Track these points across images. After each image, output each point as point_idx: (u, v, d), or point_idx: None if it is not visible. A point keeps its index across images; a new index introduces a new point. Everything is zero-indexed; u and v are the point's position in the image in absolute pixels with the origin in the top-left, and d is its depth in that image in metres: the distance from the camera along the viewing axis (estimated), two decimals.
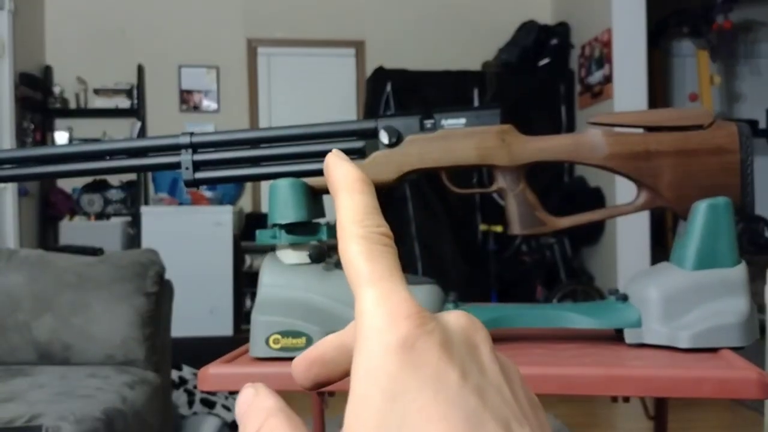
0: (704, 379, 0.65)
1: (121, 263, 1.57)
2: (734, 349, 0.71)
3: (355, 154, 0.85)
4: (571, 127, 4.15)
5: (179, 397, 1.98)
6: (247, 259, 4.05)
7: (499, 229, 3.80)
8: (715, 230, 0.75)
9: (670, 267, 0.78)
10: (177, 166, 0.87)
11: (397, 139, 0.83)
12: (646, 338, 0.75)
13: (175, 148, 0.86)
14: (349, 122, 0.87)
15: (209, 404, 2.00)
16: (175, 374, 2.06)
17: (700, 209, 0.75)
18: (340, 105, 4.50)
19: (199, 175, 0.86)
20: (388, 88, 3.90)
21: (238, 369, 0.76)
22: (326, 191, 0.84)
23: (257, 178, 0.88)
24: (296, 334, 0.77)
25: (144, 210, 3.91)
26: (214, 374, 0.75)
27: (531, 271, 3.88)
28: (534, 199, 0.82)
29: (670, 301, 0.74)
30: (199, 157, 0.86)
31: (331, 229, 0.84)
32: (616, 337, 0.80)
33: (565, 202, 3.68)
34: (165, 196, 4.06)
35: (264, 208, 4.40)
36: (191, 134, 0.86)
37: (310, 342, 0.76)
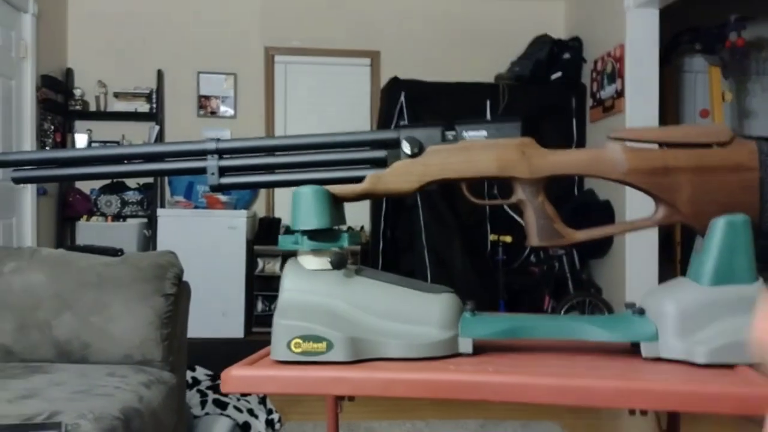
0: (722, 395, 0.65)
1: (141, 264, 1.59)
2: (751, 365, 0.71)
3: (377, 164, 0.86)
4: (581, 140, 4.16)
5: (192, 397, 2.00)
6: (260, 262, 4.08)
7: (508, 239, 3.79)
8: (732, 247, 0.75)
9: (687, 282, 0.78)
10: (203, 170, 0.89)
11: (419, 150, 0.84)
12: (663, 352, 0.75)
13: (202, 154, 0.88)
14: (372, 132, 0.88)
15: (221, 405, 2.02)
16: (188, 375, 2.08)
17: (718, 225, 0.75)
18: (355, 114, 4.53)
19: (225, 180, 0.88)
20: (402, 98, 3.92)
21: (259, 372, 0.77)
22: (347, 199, 0.85)
23: (281, 185, 0.89)
24: (317, 339, 0.78)
25: (160, 212, 3.96)
26: (237, 376, 0.76)
27: (539, 282, 3.88)
28: (552, 212, 0.83)
29: (687, 316, 0.74)
30: (224, 162, 0.88)
31: (352, 236, 0.85)
32: (631, 350, 0.81)
33: (575, 215, 3.68)
34: (181, 199, 4.10)
35: (277, 213, 4.43)
36: (217, 140, 0.88)
37: (330, 347, 0.77)
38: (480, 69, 4.33)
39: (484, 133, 0.83)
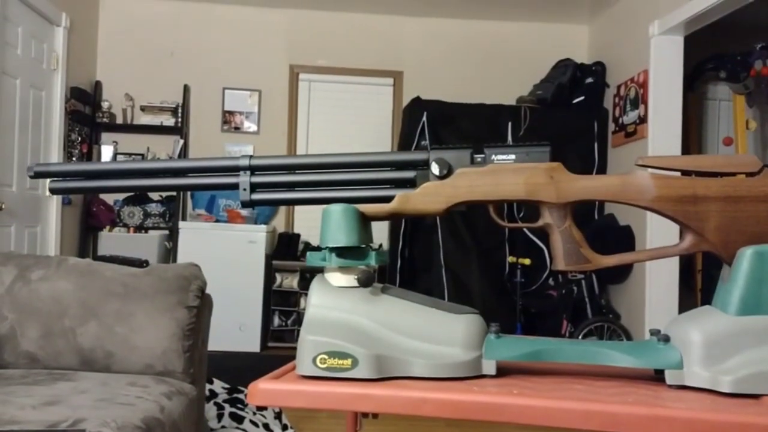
0: (748, 425, 0.65)
1: (166, 276, 1.61)
2: None
3: (406, 184, 0.87)
4: (602, 165, 4.15)
5: (209, 410, 2.01)
6: (278, 277, 4.10)
7: (527, 261, 3.78)
8: (760, 277, 0.75)
9: (713, 311, 0.78)
10: (234, 186, 0.91)
11: (447, 171, 0.85)
12: (687, 380, 0.75)
13: (234, 170, 0.90)
14: (402, 153, 0.90)
15: (238, 419, 2.03)
16: (206, 387, 2.09)
17: (746, 255, 0.75)
18: (377, 132, 4.58)
19: (256, 196, 0.90)
20: (424, 117, 3.95)
21: (285, 386, 0.78)
22: (375, 218, 0.87)
23: (311, 202, 0.90)
24: (342, 356, 0.79)
25: (182, 225, 4.00)
26: (263, 389, 0.77)
27: (557, 306, 3.85)
28: (580, 236, 0.83)
29: (713, 345, 0.74)
30: (256, 179, 0.90)
31: (379, 255, 0.86)
32: (655, 377, 0.81)
33: (595, 239, 3.65)
34: (203, 213, 4.15)
35: (296, 229, 4.46)
36: (250, 157, 0.90)
37: (356, 364, 0.78)
38: (502, 91, 4.36)
39: (512, 157, 0.84)
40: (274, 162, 0.90)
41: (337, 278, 0.84)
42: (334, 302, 0.83)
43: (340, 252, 0.83)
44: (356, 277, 0.83)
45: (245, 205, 0.91)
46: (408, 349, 0.79)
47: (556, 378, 0.82)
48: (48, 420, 1.19)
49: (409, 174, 0.87)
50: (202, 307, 1.66)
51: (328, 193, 0.89)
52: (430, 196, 0.84)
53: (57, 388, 1.39)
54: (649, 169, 0.81)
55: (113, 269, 1.64)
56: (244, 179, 0.90)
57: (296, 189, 0.91)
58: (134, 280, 1.61)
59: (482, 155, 0.85)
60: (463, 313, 0.83)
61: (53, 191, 0.93)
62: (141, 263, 1.65)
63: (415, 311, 0.82)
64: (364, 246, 0.84)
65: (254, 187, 0.90)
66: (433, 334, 0.80)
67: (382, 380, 0.77)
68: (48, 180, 0.92)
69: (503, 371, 0.81)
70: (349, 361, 0.78)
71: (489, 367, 0.80)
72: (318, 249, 0.88)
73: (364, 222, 0.86)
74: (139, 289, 1.59)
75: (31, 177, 0.92)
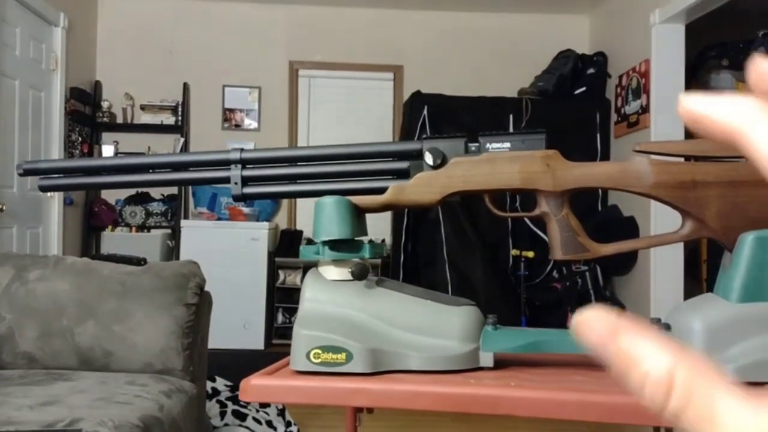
0: None
1: (164, 274, 1.60)
2: None
3: (399, 175, 0.86)
4: (605, 156, 4.13)
5: (212, 407, 2.00)
6: (281, 274, 4.10)
7: (530, 254, 3.76)
8: (762, 263, 0.73)
9: (714, 298, 0.76)
10: (226, 180, 0.89)
11: (441, 161, 0.83)
12: None
13: (226, 164, 0.89)
14: (395, 143, 0.88)
15: (241, 416, 2.02)
16: (208, 385, 2.09)
17: (747, 241, 0.74)
18: (378, 127, 4.56)
19: (248, 190, 0.89)
20: (425, 112, 3.93)
21: (279, 381, 0.77)
22: (369, 210, 0.85)
23: (303, 195, 0.89)
24: (336, 350, 0.77)
25: (184, 223, 4.00)
26: (256, 385, 0.76)
27: (562, 298, 3.84)
28: (577, 225, 0.81)
29: (714, 333, 0.73)
30: (247, 172, 0.88)
31: (374, 247, 0.85)
32: None
33: (598, 231, 3.64)
34: (204, 211, 4.14)
35: (299, 226, 4.46)
36: (241, 150, 0.89)
37: (350, 358, 0.77)
38: (503, 84, 4.33)
39: (507, 145, 0.82)
40: (265, 155, 0.89)
41: (331, 272, 0.83)
42: (328, 296, 0.82)
43: (334, 245, 0.82)
44: (350, 270, 0.82)
45: (236, 199, 0.90)
46: (404, 343, 0.78)
47: (556, 369, 0.81)
48: (45, 420, 1.18)
49: (402, 165, 0.86)
50: (201, 305, 1.65)
51: (321, 186, 0.88)
52: (424, 187, 0.83)
53: (55, 388, 1.39)
54: (652, 156, 0.79)
55: (111, 268, 1.63)
56: (235, 173, 0.89)
57: (289, 182, 0.90)
58: (132, 279, 1.60)
59: (477, 144, 0.84)
60: (460, 305, 0.81)
61: (42, 188, 0.92)
62: (139, 261, 1.64)
63: (410, 304, 0.81)
64: (357, 238, 0.83)
65: (246, 181, 0.89)
66: (430, 326, 0.79)
67: (378, 374, 0.76)
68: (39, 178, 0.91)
69: (502, 363, 0.80)
70: (343, 356, 0.77)
71: (486, 359, 0.78)
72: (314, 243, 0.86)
73: (358, 214, 0.84)
74: (137, 287, 1.58)
75: (20, 175, 0.91)
